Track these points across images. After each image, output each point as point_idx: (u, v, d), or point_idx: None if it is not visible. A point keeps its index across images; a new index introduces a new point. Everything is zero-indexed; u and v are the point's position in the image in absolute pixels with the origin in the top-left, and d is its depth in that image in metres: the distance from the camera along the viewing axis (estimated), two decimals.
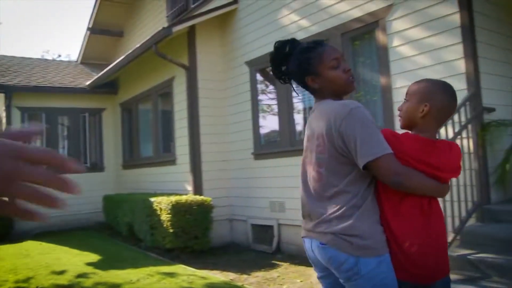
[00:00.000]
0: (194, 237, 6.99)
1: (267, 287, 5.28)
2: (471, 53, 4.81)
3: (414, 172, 1.84)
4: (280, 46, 2.15)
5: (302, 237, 2.20)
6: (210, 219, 7.23)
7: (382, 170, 1.81)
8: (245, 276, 5.82)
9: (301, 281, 5.37)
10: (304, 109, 7.07)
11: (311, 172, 2.05)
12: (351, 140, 1.83)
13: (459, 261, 4.14)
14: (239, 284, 5.36)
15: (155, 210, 7.26)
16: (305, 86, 2.14)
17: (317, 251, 2.00)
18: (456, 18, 4.93)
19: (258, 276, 5.78)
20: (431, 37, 5.17)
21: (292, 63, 2.12)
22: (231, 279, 5.64)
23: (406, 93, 2.06)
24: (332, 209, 1.92)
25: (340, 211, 1.89)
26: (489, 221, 4.69)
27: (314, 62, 2.04)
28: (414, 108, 1.98)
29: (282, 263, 6.37)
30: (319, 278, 2.18)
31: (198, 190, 7.92)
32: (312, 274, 5.63)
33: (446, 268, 1.97)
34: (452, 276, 4.03)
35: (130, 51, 8.73)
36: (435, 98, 1.96)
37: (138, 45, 8.42)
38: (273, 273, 5.89)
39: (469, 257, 4.10)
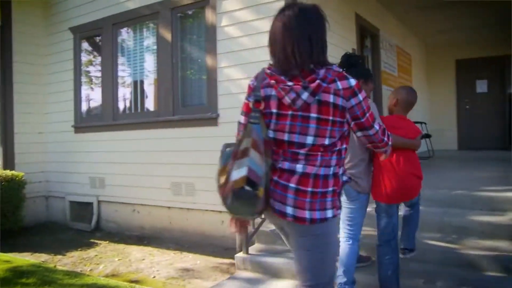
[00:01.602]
0: (2, 215, 6.32)
1: (83, 267, 5.02)
2: None
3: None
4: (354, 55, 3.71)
5: None
6: (22, 196, 6.60)
7: None
8: (59, 256, 5.46)
9: (119, 260, 5.21)
10: (135, 83, 6.78)
11: None
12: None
13: (271, 236, 4.41)
14: (51, 265, 5.01)
15: None
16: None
17: None
18: (281, 5, 5.10)
19: (74, 256, 5.47)
20: (257, 20, 5.33)
21: (362, 70, 3.45)
22: (42, 261, 5.24)
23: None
24: (352, 159, 3.18)
25: (355, 161, 3.17)
26: None
27: (371, 77, 3.47)
28: (390, 101, 3.41)
29: (101, 242, 6.12)
30: None
31: (8, 164, 7.15)
32: (131, 252, 5.52)
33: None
34: (264, 250, 4.28)
35: None
36: (399, 93, 3.37)
37: None
38: (91, 252, 5.62)
39: None
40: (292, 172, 1.94)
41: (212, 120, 5.64)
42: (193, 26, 6.17)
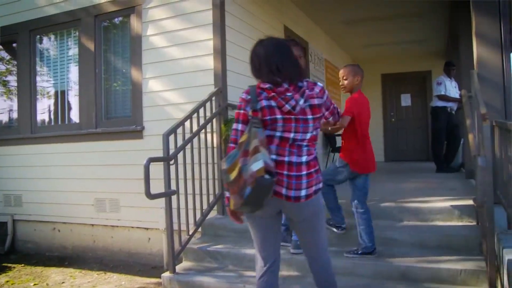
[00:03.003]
0: None
1: None
2: (220, 50, 4.97)
3: None
4: None
5: None
6: None
7: None
8: None
9: (35, 284, 4.81)
10: (55, 93, 6.38)
11: None
12: None
13: (199, 253, 4.23)
14: None
15: None
16: None
17: None
18: (209, 15, 5.03)
19: None
20: (185, 30, 5.19)
21: None
22: None
23: (343, 75, 3.82)
24: None
25: None
26: None
27: None
28: (352, 79, 3.79)
29: (15, 265, 5.64)
30: None
31: None
32: (50, 275, 5.13)
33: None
34: (192, 268, 4.09)
35: None
36: (359, 71, 3.80)
37: None
38: (1, 278, 5.15)
39: (208, 248, 4.21)
40: (300, 163, 2.46)
41: (137, 133, 5.39)
42: (118, 35, 5.90)
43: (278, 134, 2.45)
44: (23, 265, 5.65)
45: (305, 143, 2.49)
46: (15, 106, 6.71)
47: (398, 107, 12.03)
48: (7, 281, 5.01)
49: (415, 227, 4.10)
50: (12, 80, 6.89)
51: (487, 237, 3.20)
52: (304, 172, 2.46)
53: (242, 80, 5.42)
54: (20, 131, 6.42)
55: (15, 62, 6.79)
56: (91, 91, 5.77)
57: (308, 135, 2.50)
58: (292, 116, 2.44)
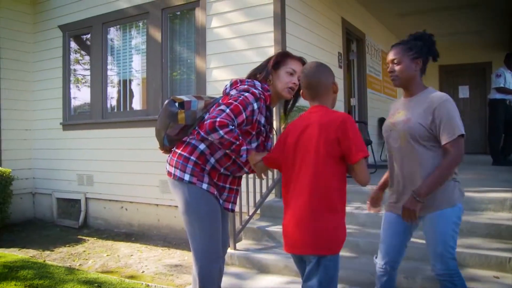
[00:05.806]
0: None
1: (72, 262, 5.08)
2: (281, 42, 5.21)
3: None
4: None
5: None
6: (9, 193, 6.62)
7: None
8: (47, 252, 5.51)
9: (108, 255, 5.29)
10: (124, 82, 6.87)
11: None
12: None
13: (258, 233, 4.53)
14: (40, 260, 5.06)
15: None
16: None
17: None
18: (271, 9, 5.27)
19: (62, 251, 5.53)
20: (247, 23, 5.45)
21: None
22: (31, 256, 5.29)
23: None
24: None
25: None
26: None
27: None
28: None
29: (88, 238, 6.18)
30: None
31: None
32: (119, 248, 5.59)
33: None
34: (251, 246, 4.39)
35: None
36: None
37: None
38: (79, 248, 5.68)
39: (266, 228, 4.51)
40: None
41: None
42: (183, 26, 6.27)
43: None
44: (95, 238, 6.18)
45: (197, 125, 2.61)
46: (84, 93, 7.28)
47: (456, 98, 11.85)
48: (84, 251, 5.53)
49: (465, 215, 4.18)
50: (82, 69, 7.46)
51: None
52: (173, 150, 2.62)
53: None
54: (92, 117, 6.94)
55: (83, 53, 7.34)
56: (158, 80, 6.17)
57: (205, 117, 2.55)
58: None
